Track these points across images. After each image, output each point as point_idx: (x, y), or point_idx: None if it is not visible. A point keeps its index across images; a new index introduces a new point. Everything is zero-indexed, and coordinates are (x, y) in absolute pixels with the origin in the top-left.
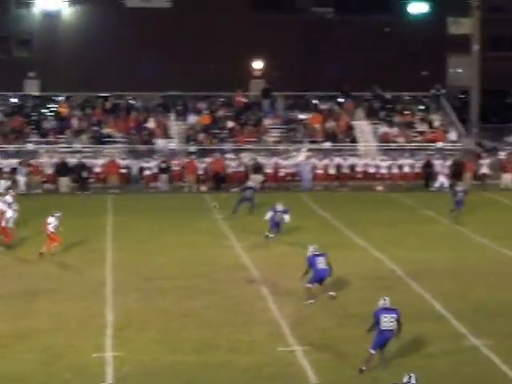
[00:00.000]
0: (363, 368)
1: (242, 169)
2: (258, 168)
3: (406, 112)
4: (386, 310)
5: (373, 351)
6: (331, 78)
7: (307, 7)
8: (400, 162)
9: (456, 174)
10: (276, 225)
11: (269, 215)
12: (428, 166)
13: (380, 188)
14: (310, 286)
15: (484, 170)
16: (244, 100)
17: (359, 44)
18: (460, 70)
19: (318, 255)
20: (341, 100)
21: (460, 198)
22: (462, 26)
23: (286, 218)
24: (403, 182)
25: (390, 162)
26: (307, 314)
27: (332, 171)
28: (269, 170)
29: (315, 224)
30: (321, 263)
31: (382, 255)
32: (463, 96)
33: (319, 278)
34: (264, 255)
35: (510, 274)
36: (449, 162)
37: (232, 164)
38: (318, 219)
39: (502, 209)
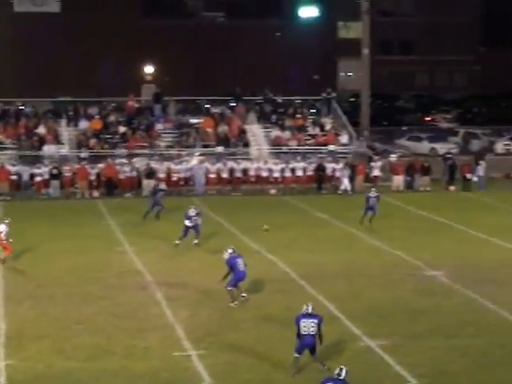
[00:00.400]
0: (294, 372)
1: (134, 174)
2: (150, 173)
3: (297, 115)
4: (307, 315)
5: (297, 355)
6: (222, 82)
7: (198, 12)
8: (292, 165)
9: (348, 176)
10: (194, 229)
11: (187, 222)
12: (320, 169)
13: (273, 191)
14: (231, 288)
15: (375, 172)
16: (135, 105)
17: (250, 48)
18: (350, 74)
19: (236, 257)
20: (232, 104)
21: (372, 203)
22: (351, 30)
23: (199, 220)
24: (296, 185)
25: (282, 166)
26: (202, 318)
27: (225, 175)
28: (161, 175)
29: (209, 229)
30: (241, 265)
31: (275, 258)
32: (354, 99)
33: (240, 280)
34: (157, 260)
35: (403, 275)
36: (341, 165)
37: (124, 169)
38: (212, 224)
39: (394, 210)
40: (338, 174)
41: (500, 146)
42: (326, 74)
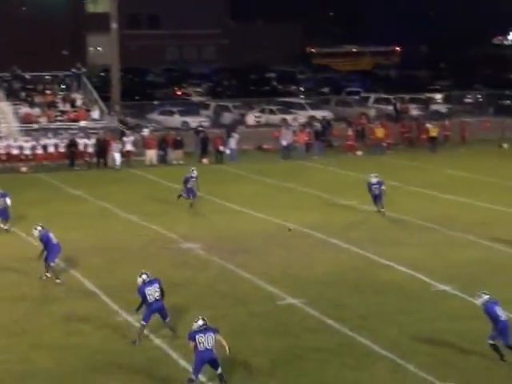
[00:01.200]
0: (136, 340)
1: None
2: None
3: (47, 92)
4: (148, 283)
5: (144, 323)
6: None
7: None
8: (44, 142)
9: (101, 151)
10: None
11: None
12: (72, 145)
13: (24, 169)
14: (52, 264)
15: (128, 147)
16: None
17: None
18: (100, 49)
19: (47, 232)
20: None
21: (191, 185)
22: (100, 4)
23: (8, 201)
24: (48, 162)
25: (33, 143)
26: None
27: None
28: None
29: None
30: (53, 238)
31: (31, 238)
32: (104, 74)
33: (56, 253)
34: None
35: (159, 249)
36: (93, 141)
37: None
38: None
39: (148, 185)
40: (89, 149)
41: (251, 119)
42: (75, 49)
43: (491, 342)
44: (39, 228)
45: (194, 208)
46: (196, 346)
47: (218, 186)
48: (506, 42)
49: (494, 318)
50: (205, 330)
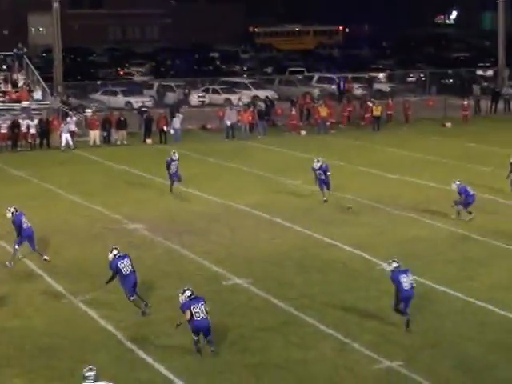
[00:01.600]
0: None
1: None
2: None
3: None
4: (120, 257)
5: (132, 298)
6: None
7: None
8: None
9: (43, 132)
10: None
11: None
12: (15, 126)
13: None
14: (17, 247)
15: (71, 127)
16: None
17: None
18: (42, 29)
19: (20, 214)
20: None
21: (174, 169)
22: None
23: None
24: None
25: None
26: None
27: None
28: None
29: None
30: (26, 222)
31: None
32: (46, 54)
33: (28, 236)
34: None
35: (103, 230)
36: (36, 122)
37: None
38: None
39: (92, 165)
40: (32, 130)
41: (194, 98)
42: (17, 29)
43: (395, 309)
44: (12, 210)
45: (137, 188)
46: (192, 316)
47: (162, 166)
48: (447, 21)
49: (397, 287)
50: (194, 299)
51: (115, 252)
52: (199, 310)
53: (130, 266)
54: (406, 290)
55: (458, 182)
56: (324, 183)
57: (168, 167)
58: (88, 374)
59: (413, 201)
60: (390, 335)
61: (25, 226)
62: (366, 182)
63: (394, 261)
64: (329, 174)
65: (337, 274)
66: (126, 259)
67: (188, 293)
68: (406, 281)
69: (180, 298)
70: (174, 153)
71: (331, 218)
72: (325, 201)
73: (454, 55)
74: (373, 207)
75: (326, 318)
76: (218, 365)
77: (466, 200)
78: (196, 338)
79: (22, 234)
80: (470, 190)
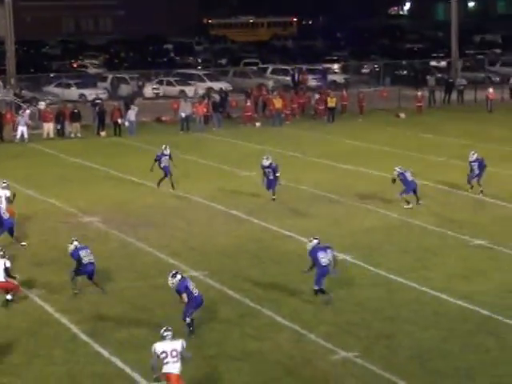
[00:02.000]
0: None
1: None
2: None
3: None
4: (81, 248)
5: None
6: None
7: None
8: None
9: None
10: None
11: None
12: None
13: None
14: None
15: (26, 120)
16: None
17: None
18: None
19: None
20: None
21: (165, 163)
22: None
23: None
24: None
25: None
26: None
27: None
28: None
29: None
30: (5, 213)
31: None
32: None
33: (8, 227)
34: None
35: (57, 223)
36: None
37: None
38: None
39: (46, 158)
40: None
41: (148, 90)
42: None
43: (316, 287)
44: None
45: (92, 181)
46: (190, 294)
47: (116, 159)
48: (401, 12)
49: (314, 262)
50: (186, 279)
51: (76, 243)
52: (194, 288)
53: (90, 256)
54: (323, 265)
55: (397, 169)
56: (272, 183)
57: (158, 161)
58: (166, 333)
59: (367, 191)
60: (346, 326)
61: (5, 216)
62: (320, 172)
63: (314, 238)
64: (277, 174)
65: (293, 265)
66: (86, 249)
67: (179, 276)
68: (324, 257)
69: (171, 282)
70: (165, 147)
71: (287, 209)
72: (273, 199)
73: (407, 46)
74: (328, 198)
75: (282, 309)
76: None
77: (407, 186)
78: (189, 321)
79: (4, 225)
80: (409, 177)
